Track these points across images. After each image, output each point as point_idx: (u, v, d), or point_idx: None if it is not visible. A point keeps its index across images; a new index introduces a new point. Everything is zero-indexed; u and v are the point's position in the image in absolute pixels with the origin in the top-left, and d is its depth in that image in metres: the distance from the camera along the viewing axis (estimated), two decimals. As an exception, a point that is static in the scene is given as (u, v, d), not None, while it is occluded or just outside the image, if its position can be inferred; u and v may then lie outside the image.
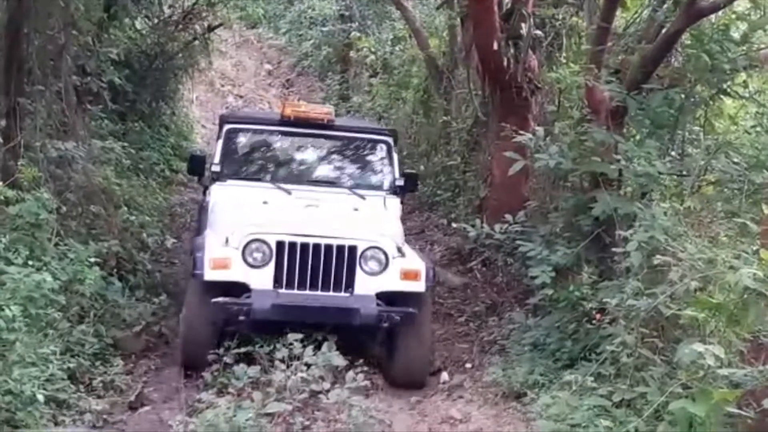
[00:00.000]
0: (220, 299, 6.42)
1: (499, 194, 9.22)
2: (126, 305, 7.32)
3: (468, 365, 7.33)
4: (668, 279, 5.18)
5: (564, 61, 9.72)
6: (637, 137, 7.25)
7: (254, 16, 16.90)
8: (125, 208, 8.79)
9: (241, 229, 6.66)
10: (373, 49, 16.87)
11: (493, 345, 7.55)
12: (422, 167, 12.55)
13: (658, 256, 5.41)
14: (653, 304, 5.16)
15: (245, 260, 6.51)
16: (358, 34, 17.52)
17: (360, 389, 5.55)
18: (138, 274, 8.08)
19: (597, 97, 7.05)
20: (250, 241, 6.54)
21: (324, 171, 8.23)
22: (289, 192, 7.52)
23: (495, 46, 8.74)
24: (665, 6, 7.52)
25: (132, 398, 6.13)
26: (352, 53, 18.28)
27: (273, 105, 18.35)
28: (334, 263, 6.61)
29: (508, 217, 7.34)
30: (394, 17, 16.89)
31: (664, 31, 7.10)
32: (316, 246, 6.61)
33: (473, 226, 7.47)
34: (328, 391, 5.49)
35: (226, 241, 6.64)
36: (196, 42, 14.25)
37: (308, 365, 5.60)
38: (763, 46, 7.19)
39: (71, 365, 5.92)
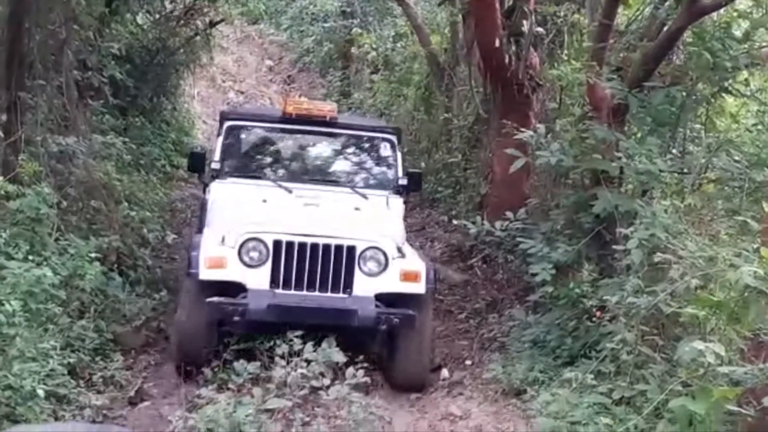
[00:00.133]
0: (215, 299, 6.28)
1: (500, 191, 9.21)
2: (126, 301, 7.30)
3: (468, 362, 7.33)
4: (669, 277, 5.18)
5: (565, 58, 9.74)
6: (639, 135, 7.24)
7: (256, 12, 16.92)
8: (126, 204, 8.74)
9: (238, 227, 6.53)
10: (374, 46, 16.84)
11: (493, 342, 7.55)
12: (423, 164, 12.51)
13: (658, 254, 5.41)
14: (653, 301, 5.16)
15: (241, 259, 6.38)
16: (360, 31, 17.48)
17: (360, 386, 5.53)
18: (138, 270, 8.05)
19: (598, 95, 7.06)
20: (247, 239, 6.41)
21: (326, 169, 8.08)
22: (290, 190, 7.35)
23: (496, 43, 8.73)
24: (667, 3, 7.52)
25: (132, 393, 6.13)
26: (353, 50, 18.25)
27: (274, 101, 18.31)
28: (333, 263, 6.48)
29: (509, 214, 7.35)
30: (396, 14, 16.86)
31: (665, 28, 7.10)
32: (314, 246, 6.48)
33: (474, 223, 7.46)
34: (328, 387, 5.47)
35: (223, 239, 6.51)
36: (198, 37, 14.21)
37: (308, 361, 5.57)
38: (764, 44, 7.20)
39: (71, 360, 5.91)
